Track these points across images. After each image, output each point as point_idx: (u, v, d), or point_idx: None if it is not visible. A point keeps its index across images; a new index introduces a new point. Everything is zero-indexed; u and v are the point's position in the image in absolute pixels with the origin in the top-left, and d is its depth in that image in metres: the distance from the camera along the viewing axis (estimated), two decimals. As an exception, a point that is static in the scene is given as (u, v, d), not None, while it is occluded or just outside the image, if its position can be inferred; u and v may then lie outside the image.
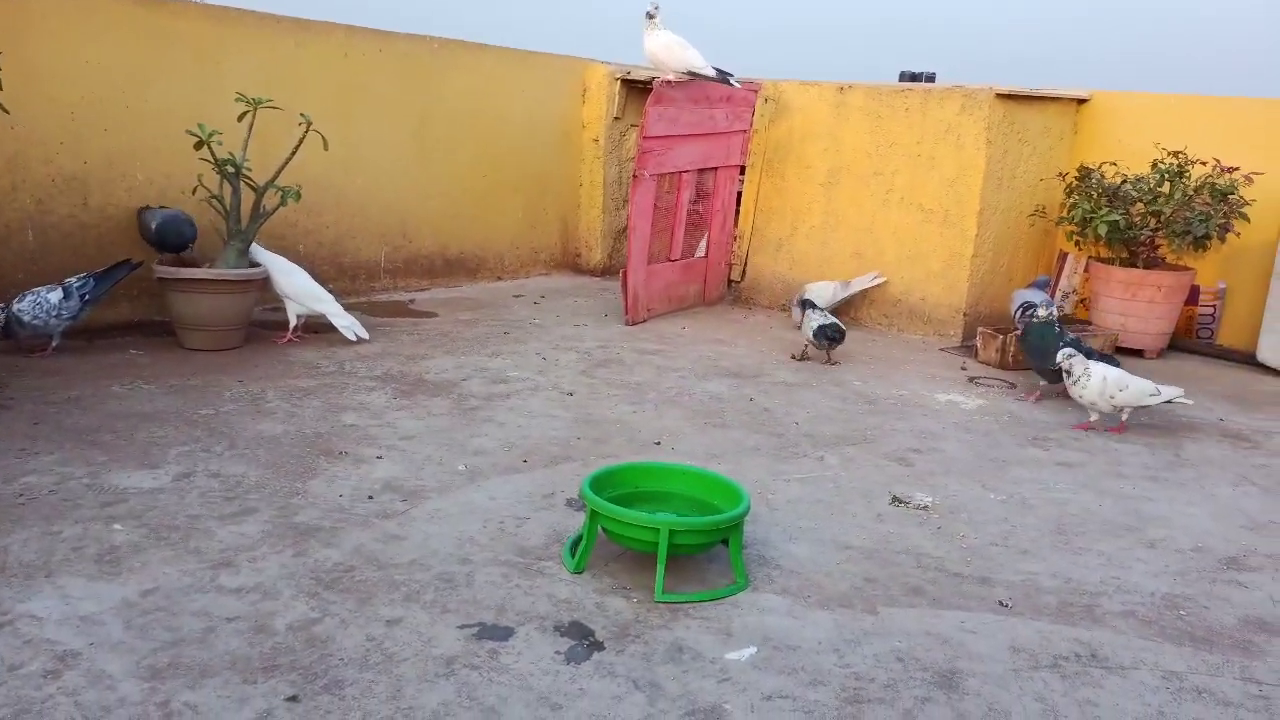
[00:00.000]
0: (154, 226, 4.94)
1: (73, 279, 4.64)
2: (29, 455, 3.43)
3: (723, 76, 5.91)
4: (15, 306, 4.44)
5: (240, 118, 4.88)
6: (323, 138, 5.06)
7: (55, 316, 4.52)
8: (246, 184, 4.92)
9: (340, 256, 6.31)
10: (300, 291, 5.12)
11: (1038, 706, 2.37)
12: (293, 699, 2.20)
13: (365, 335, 5.27)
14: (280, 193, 4.95)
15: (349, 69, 6.14)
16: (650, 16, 5.79)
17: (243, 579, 2.71)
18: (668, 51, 5.84)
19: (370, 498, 3.30)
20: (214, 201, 4.87)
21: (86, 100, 5.05)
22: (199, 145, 4.71)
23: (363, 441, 3.81)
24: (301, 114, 5.00)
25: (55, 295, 4.52)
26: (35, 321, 4.47)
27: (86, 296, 4.62)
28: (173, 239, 4.93)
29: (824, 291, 6.28)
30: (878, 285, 6.46)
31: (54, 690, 2.17)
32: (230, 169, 4.83)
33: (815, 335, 5.36)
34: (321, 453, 3.67)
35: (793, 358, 5.51)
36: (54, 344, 4.61)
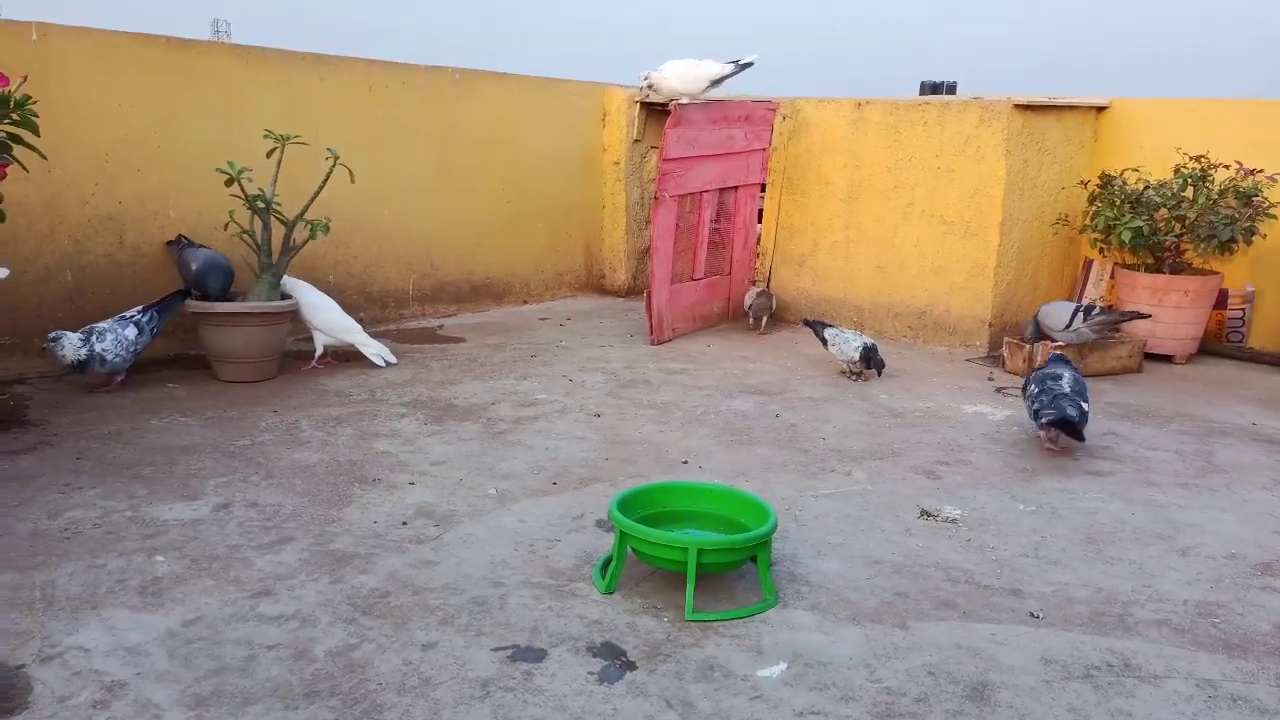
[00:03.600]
0: (194, 269, 5.00)
1: (134, 313, 4.76)
2: (73, 490, 3.53)
3: (740, 67, 6.04)
4: (99, 347, 4.51)
5: (269, 154, 5.00)
6: (349, 171, 5.16)
7: (132, 353, 4.65)
8: (276, 218, 5.02)
9: (369, 286, 6.42)
10: (329, 325, 5.24)
11: (1070, 717, 2.37)
12: (333, 724, 2.25)
13: (393, 360, 5.37)
14: (310, 226, 5.06)
15: (372, 102, 6.26)
16: (650, 86, 6.05)
17: (282, 607, 2.77)
18: (684, 81, 5.97)
19: (404, 523, 3.36)
20: (245, 237, 4.98)
21: (119, 141, 5.18)
22: (229, 182, 4.82)
23: (395, 468, 3.88)
24: (329, 149, 5.11)
25: (131, 332, 4.65)
26: (116, 360, 4.58)
27: (155, 330, 4.78)
28: (209, 288, 4.98)
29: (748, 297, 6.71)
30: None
31: None
32: (260, 204, 4.94)
33: (862, 357, 5.36)
34: (355, 480, 3.73)
35: (852, 377, 5.50)
36: (119, 379, 4.72)
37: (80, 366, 4.51)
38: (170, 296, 4.98)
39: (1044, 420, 4.20)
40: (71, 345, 4.47)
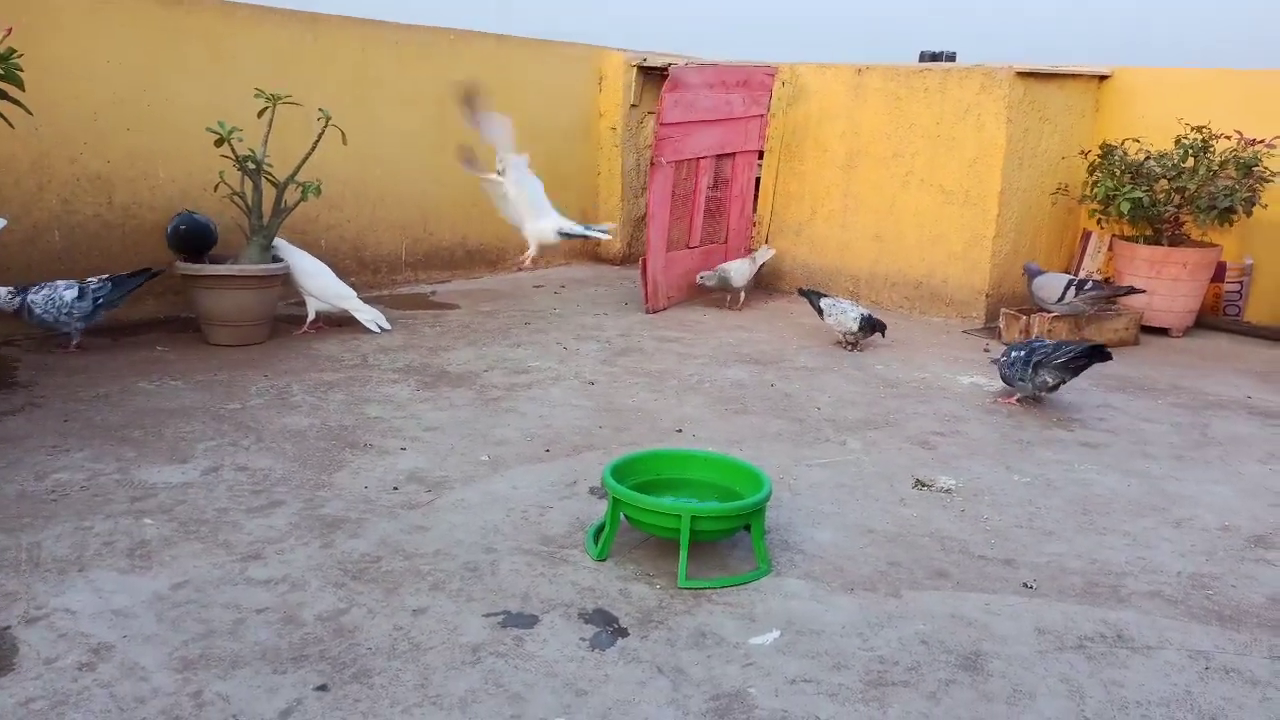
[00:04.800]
0: (168, 232, 4.97)
1: (92, 279, 4.64)
2: (60, 452, 3.49)
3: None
4: (30, 297, 4.48)
5: (260, 114, 4.92)
6: (341, 132, 5.09)
7: (66, 314, 4.51)
8: (267, 180, 4.95)
9: (361, 250, 6.35)
10: (322, 290, 5.19)
11: (1063, 687, 2.36)
12: (322, 688, 2.23)
13: (387, 326, 5.34)
14: (301, 188, 4.99)
15: (366, 62, 6.17)
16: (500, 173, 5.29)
17: (271, 571, 2.74)
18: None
19: (395, 489, 3.34)
20: (236, 198, 4.91)
21: (109, 99, 5.10)
22: (219, 142, 4.74)
23: (387, 433, 3.84)
24: (320, 109, 5.03)
25: (70, 294, 4.51)
26: (45, 315, 4.50)
27: (100, 300, 4.58)
28: (188, 244, 4.95)
29: (743, 268, 6.34)
30: (770, 258, 6.65)
31: (89, 682, 2.21)
32: (251, 165, 4.87)
33: (861, 326, 5.31)
34: (346, 445, 3.70)
35: (848, 347, 5.45)
36: (75, 341, 4.63)
37: (16, 315, 4.51)
38: (136, 272, 4.77)
39: (1071, 356, 4.29)
40: (3, 296, 4.47)
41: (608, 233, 5.62)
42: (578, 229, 5.41)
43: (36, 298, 4.49)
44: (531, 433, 3.94)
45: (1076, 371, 4.39)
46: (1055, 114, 6.26)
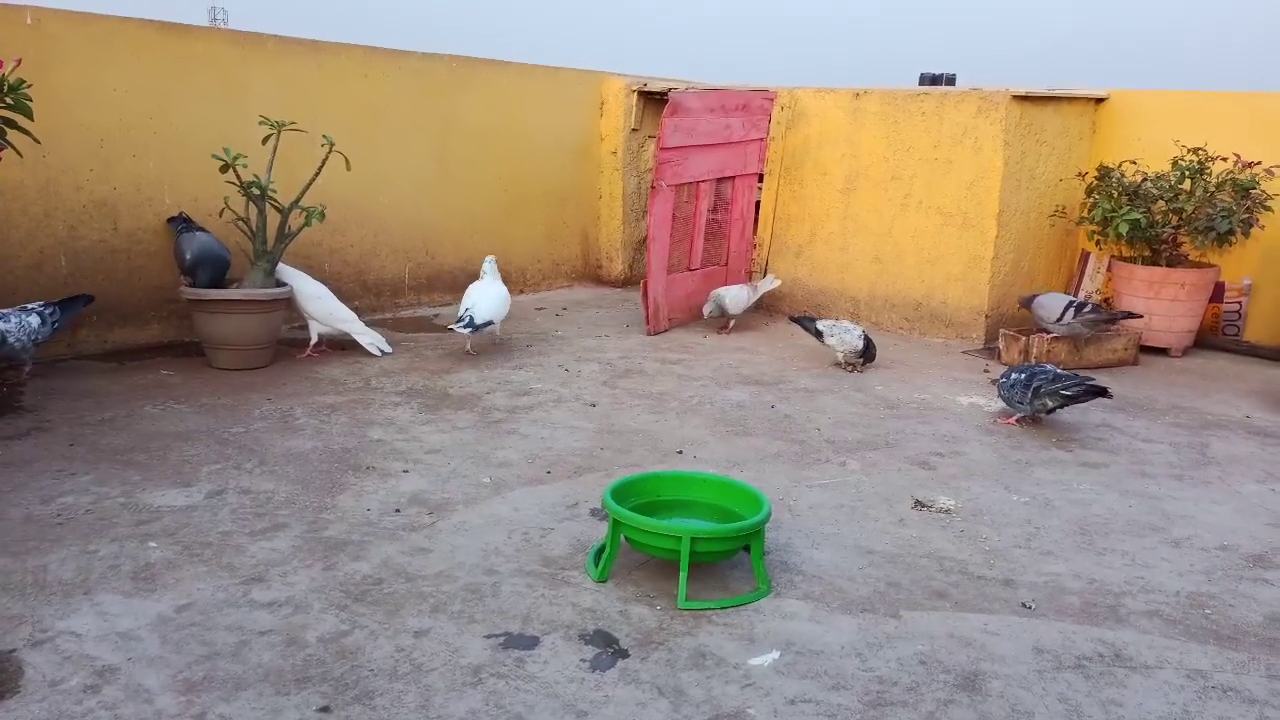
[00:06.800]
0: (188, 259, 4.98)
1: (37, 304, 4.39)
2: (66, 476, 3.52)
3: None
4: (2, 326, 4.16)
5: (264, 140, 4.98)
6: (345, 158, 5.15)
7: (34, 342, 4.28)
8: (272, 205, 5.01)
9: (365, 274, 6.40)
10: (325, 314, 5.23)
11: (1061, 707, 2.37)
12: (325, 710, 2.25)
13: (388, 349, 5.37)
14: (305, 213, 5.04)
15: (369, 89, 6.24)
16: None
17: (274, 593, 2.76)
18: None
19: (397, 511, 3.36)
20: (240, 223, 4.97)
21: (115, 126, 5.16)
22: (224, 168, 4.80)
23: (389, 456, 3.87)
24: (324, 136, 5.10)
25: (34, 320, 4.28)
26: (17, 344, 4.19)
27: (57, 326, 4.42)
28: (197, 280, 4.93)
29: (740, 295, 6.34)
30: (775, 287, 6.65)
31: (94, 704, 2.23)
32: (255, 191, 4.92)
33: (865, 350, 5.38)
34: (349, 468, 3.73)
35: (849, 368, 5.48)
36: (27, 370, 4.32)
37: None
38: (73, 298, 4.61)
39: (1074, 391, 4.34)
40: None
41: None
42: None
43: (9, 326, 4.18)
44: (533, 455, 3.96)
45: (1077, 401, 4.41)
46: (1052, 137, 6.32)
